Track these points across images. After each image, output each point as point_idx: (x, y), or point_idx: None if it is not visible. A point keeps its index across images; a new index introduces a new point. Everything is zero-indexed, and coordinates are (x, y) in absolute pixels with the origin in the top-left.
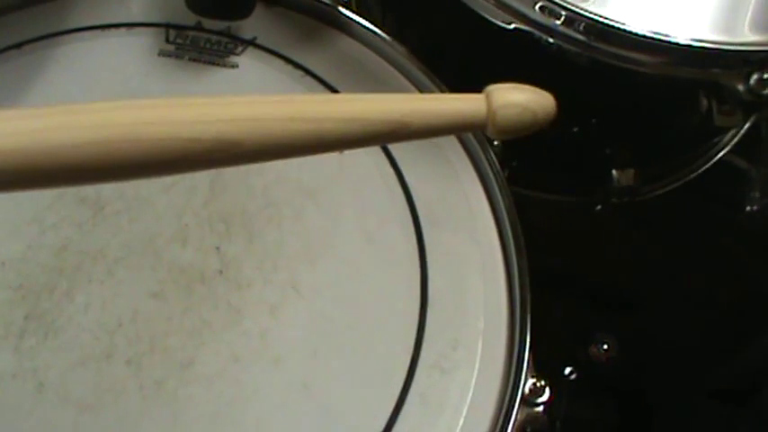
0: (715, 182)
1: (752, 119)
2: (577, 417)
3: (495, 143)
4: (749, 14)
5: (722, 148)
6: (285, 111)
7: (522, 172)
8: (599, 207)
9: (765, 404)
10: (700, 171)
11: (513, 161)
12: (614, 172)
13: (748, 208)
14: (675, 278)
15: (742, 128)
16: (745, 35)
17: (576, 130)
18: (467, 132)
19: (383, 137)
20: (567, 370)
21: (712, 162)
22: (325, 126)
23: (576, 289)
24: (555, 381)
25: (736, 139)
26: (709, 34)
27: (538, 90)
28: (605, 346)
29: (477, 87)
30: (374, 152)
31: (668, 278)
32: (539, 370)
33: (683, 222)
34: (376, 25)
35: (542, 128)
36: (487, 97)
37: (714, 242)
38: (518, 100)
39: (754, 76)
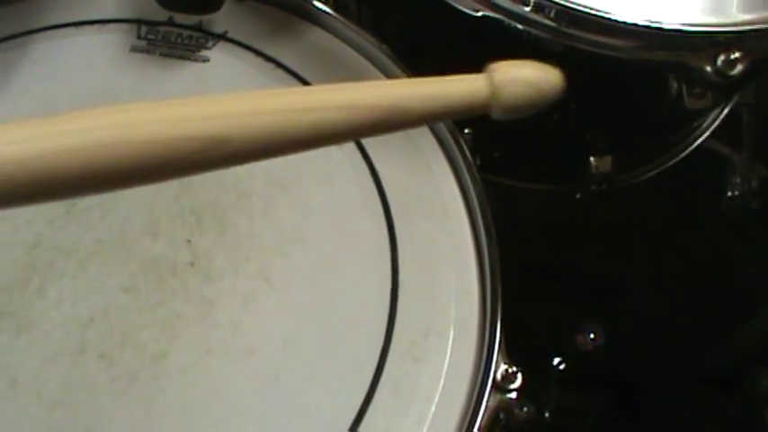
0: (696, 167)
1: (730, 103)
2: (566, 406)
3: (466, 131)
4: None
5: (702, 134)
6: (276, 103)
7: (501, 161)
8: (579, 195)
9: (753, 389)
10: (679, 157)
11: (493, 151)
12: (592, 159)
13: (730, 193)
14: (660, 265)
15: (721, 113)
16: (725, 16)
17: (553, 116)
18: (471, 114)
19: (382, 124)
20: (556, 360)
21: (692, 148)
22: (321, 116)
23: (561, 278)
24: (543, 371)
25: (715, 125)
26: (699, 16)
27: (543, 65)
28: (592, 336)
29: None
30: (346, 145)
31: (653, 265)
32: (524, 361)
33: (666, 208)
34: (352, 20)
35: (550, 104)
36: (490, 75)
37: (697, 228)
38: (523, 75)
39: (721, 57)
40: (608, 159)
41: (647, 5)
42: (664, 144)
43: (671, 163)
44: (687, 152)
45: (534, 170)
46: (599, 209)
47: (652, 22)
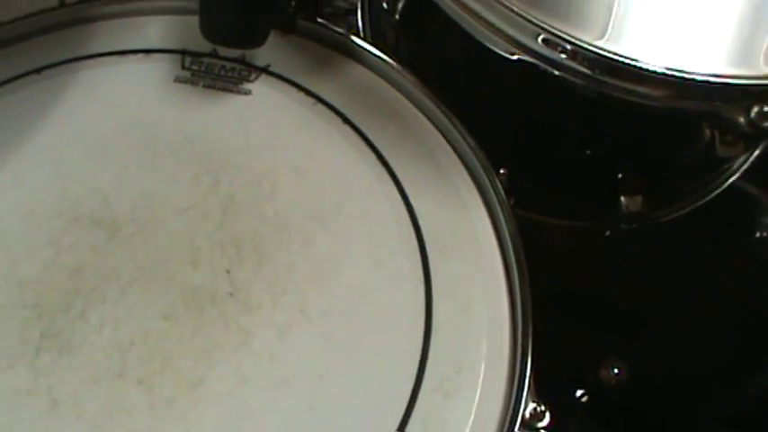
0: (726, 208)
1: (761, 145)
2: None
3: (502, 171)
4: (764, 47)
5: (732, 175)
6: None
7: (533, 196)
8: (608, 232)
9: None
10: (710, 197)
11: (525, 186)
12: (623, 198)
13: (759, 234)
14: (687, 303)
15: (752, 155)
16: (753, 68)
17: (586, 154)
18: None
19: None
20: (579, 393)
21: (722, 189)
22: None
23: (587, 312)
24: (566, 403)
25: (745, 166)
26: (723, 68)
27: None
28: (616, 370)
29: (487, 113)
30: (382, 179)
31: (680, 303)
32: (547, 393)
33: (694, 247)
34: (389, 50)
35: None
36: None
37: (726, 267)
38: None
39: (755, 109)
40: (638, 199)
41: (679, 55)
42: (694, 184)
43: (701, 203)
44: (717, 192)
45: (565, 207)
46: (629, 245)
47: (686, 73)
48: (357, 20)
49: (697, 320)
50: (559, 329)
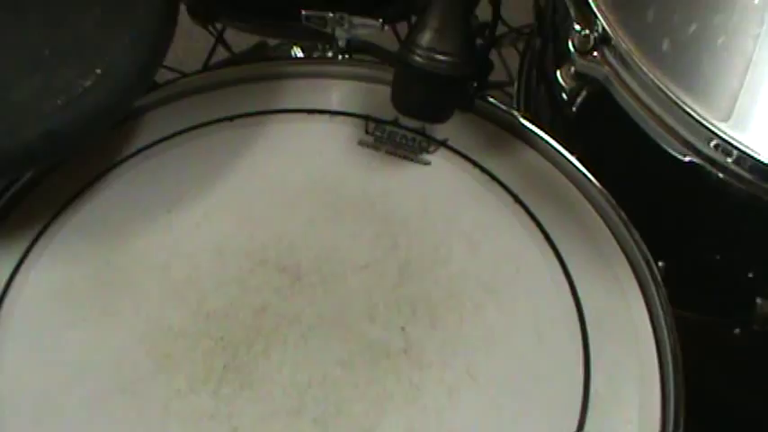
0: None
1: None
2: None
3: (660, 264)
4: None
5: None
6: None
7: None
8: (737, 331)
9: None
10: None
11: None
12: (758, 300)
13: None
14: None
15: None
16: None
17: (725, 254)
18: None
19: None
20: None
21: None
22: None
23: (709, 415)
24: None
25: None
26: None
27: None
28: None
29: (649, 207)
30: (549, 258)
31: None
32: None
33: None
34: (545, 126)
35: None
36: None
37: None
38: None
39: None
40: None
41: None
42: None
43: None
44: None
45: (703, 302)
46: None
47: None
48: (513, 92)
49: None
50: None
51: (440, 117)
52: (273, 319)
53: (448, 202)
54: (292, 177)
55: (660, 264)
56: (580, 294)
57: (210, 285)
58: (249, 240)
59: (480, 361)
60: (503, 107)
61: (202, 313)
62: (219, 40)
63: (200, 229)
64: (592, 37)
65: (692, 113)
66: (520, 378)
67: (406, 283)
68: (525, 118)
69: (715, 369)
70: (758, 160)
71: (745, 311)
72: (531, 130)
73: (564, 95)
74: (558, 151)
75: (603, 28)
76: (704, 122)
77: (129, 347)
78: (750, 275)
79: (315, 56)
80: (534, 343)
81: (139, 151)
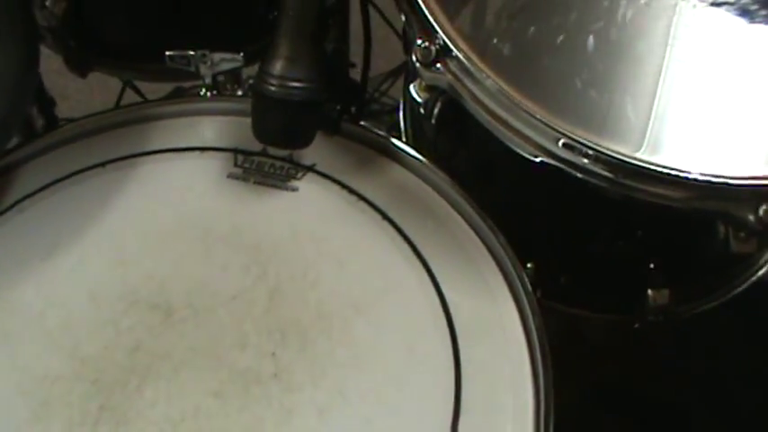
0: (755, 302)
1: None
2: None
3: (529, 265)
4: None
5: (759, 270)
6: None
7: (565, 290)
8: (637, 325)
9: None
10: (736, 292)
11: (556, 279)
12: (650, 291)
13: None
14: (722, 395)
15: None
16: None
17: (611, 249)
18: None
19: None
20: None
21: (748, 284)
22: None
23: (620, 405)
24: None
25: None
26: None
27: None
28: None
29: (518, 210)
30: (418, 271)
31: (715, 395)
32: None
33: (725, 340)
34: (430, 146)
35: None
36: None
37: (758, 361)
38: None
39: (763, 207)
40: (665, 292)
41: (701, 157)
42: (721, 279)
43: (728, 297)
44: (744, 287)
45: (597, 300)
46: (658, 338)
47: (694, 175)
48: (399, 117)
49: (734, 413)
50: (592, 422)
51: (300, 143)
52: (146, 357)
53: (316, 225)
54: (163, 216)
55: (529, 265)
56: (449, 304)
57: (84, 330)
58: (121, 282)
59: (350, 379)
60: (371, 128)
61: (77, 358)
62: (128, 84)
63: (73, 275)
64: (433, 49)
65: (536, 115)
66: (391, 393)
67: (275, 309)
68: (393, 136)
69: (627, 363)
70: (612, 156)
71: (640, 305)
72: (397, 146)
73: (421, 109)
74: (425, 164)
75: (443, 39)
76: (549, 123)
77: (6, 398)
78: (647, 268)
79: (184, 95)
80: (404, 356)
81: (14, 205)
